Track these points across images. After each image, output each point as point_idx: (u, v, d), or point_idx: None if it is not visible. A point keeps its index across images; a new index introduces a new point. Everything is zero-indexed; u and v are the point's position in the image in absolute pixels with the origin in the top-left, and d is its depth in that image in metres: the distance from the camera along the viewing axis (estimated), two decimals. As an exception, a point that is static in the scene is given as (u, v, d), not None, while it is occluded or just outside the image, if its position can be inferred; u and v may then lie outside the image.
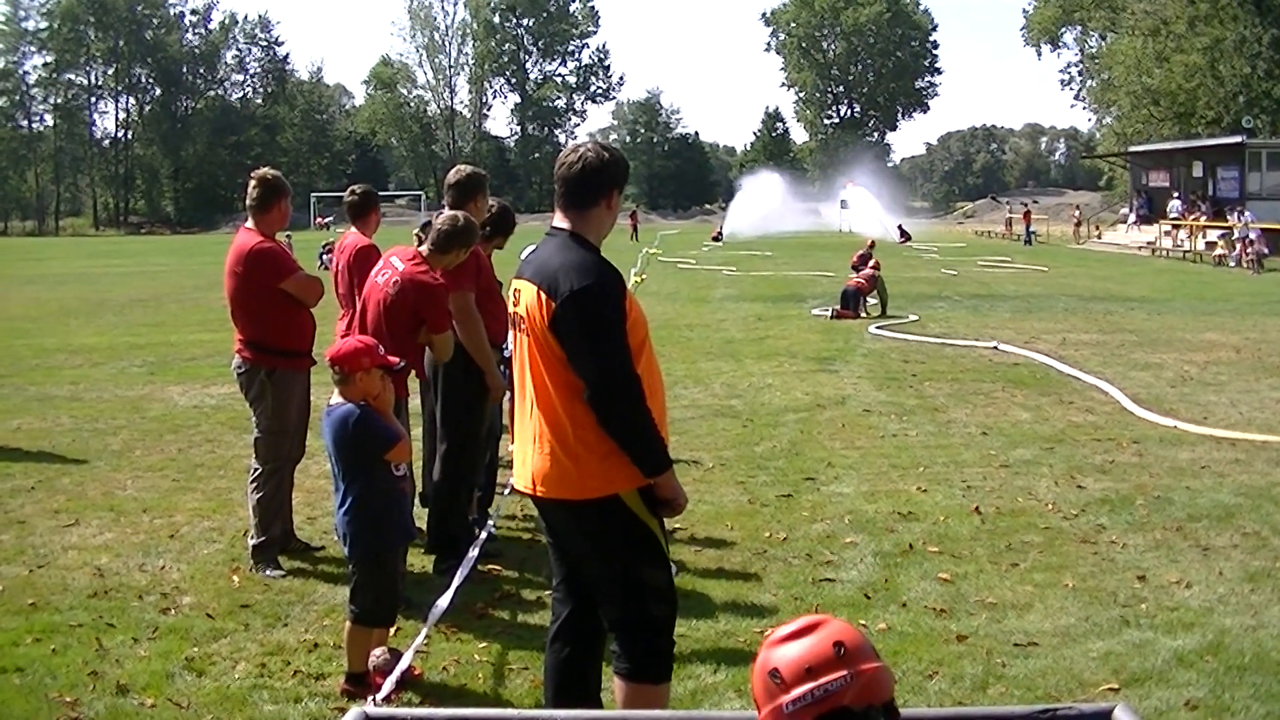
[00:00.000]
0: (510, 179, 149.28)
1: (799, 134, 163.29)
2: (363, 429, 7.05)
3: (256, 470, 9.87)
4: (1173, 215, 62.13)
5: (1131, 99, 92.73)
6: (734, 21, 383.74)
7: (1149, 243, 62.08)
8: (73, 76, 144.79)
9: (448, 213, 9.44)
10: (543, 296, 5.60)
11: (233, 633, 8.21)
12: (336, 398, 7.18)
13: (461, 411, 9.70)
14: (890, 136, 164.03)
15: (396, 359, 7.44)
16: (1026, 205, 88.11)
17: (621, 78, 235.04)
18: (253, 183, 9.78)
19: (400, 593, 7.67)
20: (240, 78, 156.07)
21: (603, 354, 5.50)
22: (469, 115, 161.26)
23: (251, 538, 9.74)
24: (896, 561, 9.68)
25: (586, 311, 5.50)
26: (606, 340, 5.51)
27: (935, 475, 12.59)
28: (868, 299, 29.34)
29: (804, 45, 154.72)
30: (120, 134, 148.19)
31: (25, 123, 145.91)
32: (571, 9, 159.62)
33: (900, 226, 76.05)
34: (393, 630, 7.79)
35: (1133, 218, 72.33)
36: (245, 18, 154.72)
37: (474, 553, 8.19)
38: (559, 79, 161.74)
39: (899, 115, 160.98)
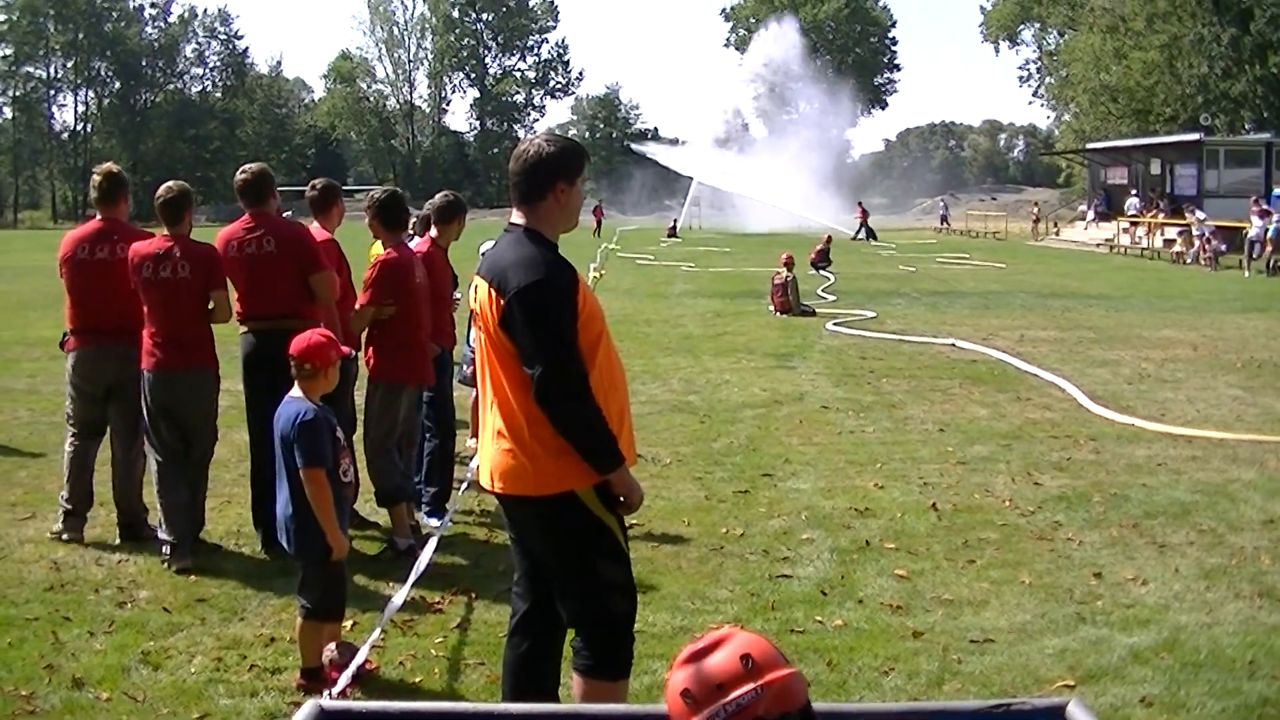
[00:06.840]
0: (469, 174, 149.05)
1: (758, 129, 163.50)
2: (304, 436, 7.00)
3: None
4: (1131, 212, 62.29)
5: (1090, 96, 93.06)
6: (693, 17, 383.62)
7: (1107, 240, 62.18)
8: (31, 69, 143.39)
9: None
10: (493, 294, 5.63)
11: (189, 627, 8.19)
12: (296, 391, 7.14)
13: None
14: (849, 133, 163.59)
15: (348, 349, 7.47)
16: (860, 203, 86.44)
17: (581, 73, 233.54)
18: (159, 198, 9.93)
19: (345, 588, 7.56)
20: (199, 71, 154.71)
21: (547, 351, 5.50)
22: (428, 110, 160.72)
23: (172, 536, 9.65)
24: (853, 558, 9.70)
25: (532, 308, 5.51)
26: (551, 337, 5.52)
27: (892, 472, 12.63)
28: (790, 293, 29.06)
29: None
30: (79, 127, 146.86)
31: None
32: (531, 4, 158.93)
33: (867, 225, 75.96)
34: (348, 625, 7.78)
35: (1091, 215, 72.53)
36: (205, 11, 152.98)
37: (430, 548, 8.17)
38: (518, 74, 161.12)
39: (858, 112, 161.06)
